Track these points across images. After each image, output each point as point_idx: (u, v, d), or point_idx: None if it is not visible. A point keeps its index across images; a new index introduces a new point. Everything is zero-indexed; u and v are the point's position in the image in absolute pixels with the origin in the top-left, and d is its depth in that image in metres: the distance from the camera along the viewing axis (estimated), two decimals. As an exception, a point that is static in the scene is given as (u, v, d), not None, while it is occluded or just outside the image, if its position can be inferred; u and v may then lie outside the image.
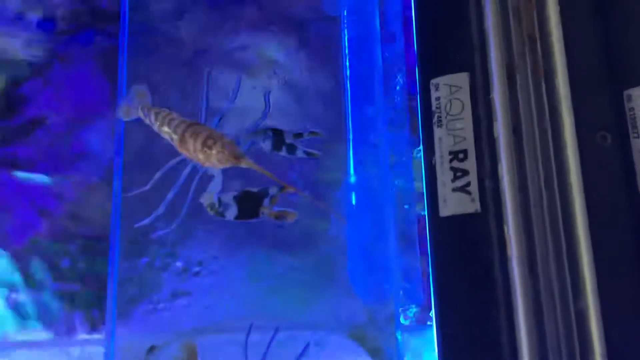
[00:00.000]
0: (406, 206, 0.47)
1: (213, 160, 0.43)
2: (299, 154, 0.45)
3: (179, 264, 0.45)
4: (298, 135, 0.45)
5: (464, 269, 0.42)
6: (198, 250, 0.45)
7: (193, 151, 0.44)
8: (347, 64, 0.48)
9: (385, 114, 0.47)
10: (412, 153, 0.48)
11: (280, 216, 0.44)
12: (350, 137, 0.46)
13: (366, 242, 0.45)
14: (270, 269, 0.44)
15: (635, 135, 0.43)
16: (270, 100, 0.46)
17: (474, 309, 0.41)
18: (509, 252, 0.41)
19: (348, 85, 0.48)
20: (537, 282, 0.40)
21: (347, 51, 0.49)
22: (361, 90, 0.47)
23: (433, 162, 0.44)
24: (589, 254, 0.40)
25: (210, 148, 0.43)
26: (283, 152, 0.45)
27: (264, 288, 0.44)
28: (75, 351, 0.46)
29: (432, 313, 0.42)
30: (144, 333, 0.44)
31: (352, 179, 0.46)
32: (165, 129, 0.45)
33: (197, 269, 0.44)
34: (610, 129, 0.43)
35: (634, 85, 0.43)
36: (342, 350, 0.43)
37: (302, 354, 0.42)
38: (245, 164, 0.43)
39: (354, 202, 0.46)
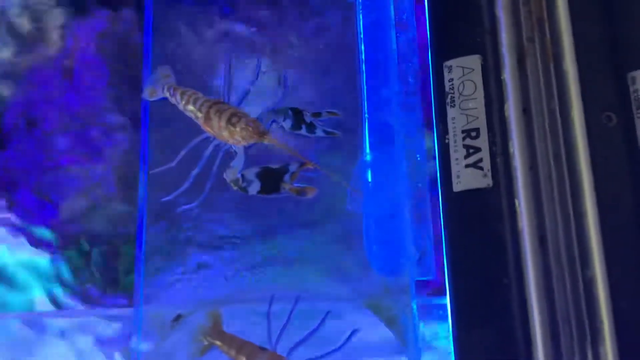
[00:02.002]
0: (419, 184, 0.49)
1: (237, 136, 0.45)
2: (318, 132, 0.47)
3: (202, 237, 0.47)
4: (317, 114, 0.47)
5: (477, 241, 0.44)
6: (220, 225, 0.47)
7: (217, 128, 0.46)
8: (363, 48, 0.50)
9: (399, 96, 0.49)
10: (424, 136, 0.50)
11: (300, 191, 0.46)
12: (366, 117, 0.48)
13: (381, 217, 0.47)
14: (290, 243, 0.46)
15: (639, 113, 0.45)
16: (289, 82, 0.49)
17: (486, 279, 0.43)
18: (519, 224, 0.43)
19: (363, 68, 0.50)
20: (547, 253, 0.42)
21: (362, 36, 0.51)
22: (376, 73, 0.49)
23: (446, 140, 0.46)
24: (596, 226, 0.42)
25: (234, 125, 0.45)
26: (302, 131, 0.47)
27: (284, 261, 0.46)
28: (103, 322, 0.48)
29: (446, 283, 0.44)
30: (168, 303, 0.45)
31: (368, 158, 0.48)
32: (190, 107, 0.47)
33: (219, 242, 0.46)
34: (616, 109, 0.45)
35: (638, 68, 0.46)
36: (359, 319, 0.45)
37: (321, 323, 0.44)
38: (268, 140, 0.45)
39: (369, 179, 0.47)
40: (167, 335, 0.45)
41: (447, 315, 0.44)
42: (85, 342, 0.48)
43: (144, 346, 0.44)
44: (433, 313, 0.48)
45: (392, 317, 0.45)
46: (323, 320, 0.44)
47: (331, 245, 0.46)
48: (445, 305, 0.45)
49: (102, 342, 0.48)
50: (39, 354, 0.48)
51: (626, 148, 0.45)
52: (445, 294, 0.45)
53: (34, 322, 0.48)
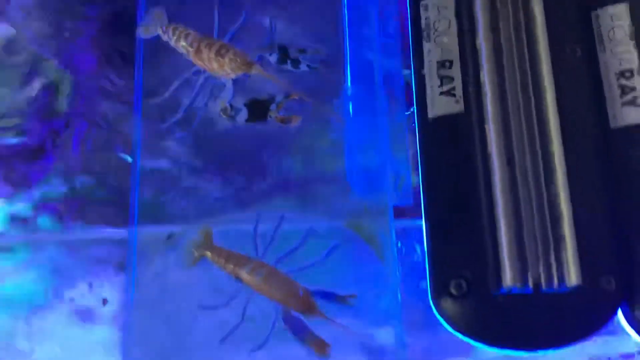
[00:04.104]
0: (399, 120, 0.52)
1: (226, 67, 0.49)
2: (302, 67, 0.50)
3: (193, 163, 0.50)
4: (302, 51, 0.51)
5: (449, 163, 0.47)
6: (210, 151, 0.50)
7: (207, 60, 0.49)
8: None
9: (379, 34, 0.53)
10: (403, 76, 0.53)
11: (285, 120, 0.49)
12: (348, 54, 0.52)
13: (362, 144, 0.50)
14: (276, 167, 0.49)
15: (602, 49, 0.49)
16: (275, 22, 0.52)
17: (458, 199, 0.47)
18: (489, 147, 0.46)
19: (346, 10, 0.53)
20: (514, 172, 0.46)
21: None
22: (358, 13, 0.53)
23: (422, 72, 0.49)
24: (560, 148, 0.46)
25: (223, 56, 0.49)
26: (288, 66, 0.50)
27: (270, 184, 0.49)
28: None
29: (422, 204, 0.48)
30: (162, 223, 0.49)
31: (349, 92, 0.51)
32: (182, 42, 0.50)
33: (209, 166, 0.50)
34: (580, 43, 0.49)
35: (601, 6, 0.49)
36: (340, 237, 0.48)
37: (305, 238, 0.47)
38: (255, 70, 0.49)
39: (351, 110, 0.51)
40: (161, 252, 0.48)
41: (422, 236, 0.48)
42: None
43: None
44: (410, 233, 0.51)
45: (372, 235, 0.48)
46: (306, 236, 0.47)
47: (314, 170, 0.49)
48: (420, 227, 0.48)
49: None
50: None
51: (589, 78, 0.48)
52: (421, 217, 0.48)
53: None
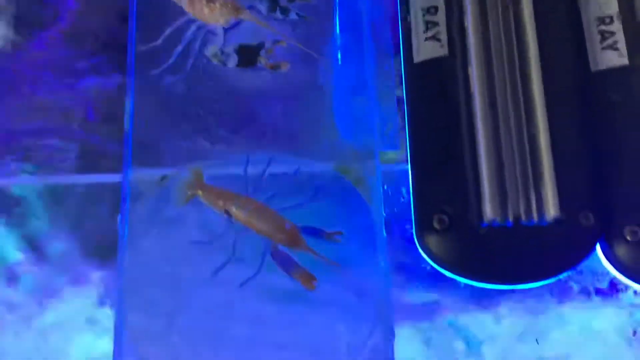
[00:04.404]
0: (386, 68, 0.54)
1: (216, 12, 0.50)
2: (292, 16, 0.52)
3: (185, 108, 0.51)
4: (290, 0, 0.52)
5: (435, 105, 0.49)
6: (201, 96, 0.51)
7: (199, 7, 0.50)
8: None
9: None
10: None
11: (274, 66, 0.50)
12: (337, 3, 0.53)
13: (350, 90, 0.52)
14: (266, 111, 0.51)
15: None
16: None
17: (442, 138, 0.48)
18: (472, 89, 0.48)
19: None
20: (496, 113, 0.47)
21: None
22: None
23: (408, 19, 0.51)
24: (540, 89, 0.47)
25: (214, 1, 0.50)
26: (277, 14, 0.52)
27: (259, 128, 0.51)
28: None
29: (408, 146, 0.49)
30: (155, 167, 0.50)
31: (338, 41, 0.53)
32: (175, -11, 0.52)
33: (201, 112, 0.51)
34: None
35: (582, -45, 0.51)
36: (328, 179, 0.49)
37: (293, 178, 0.48)
38: (245, 15, 0.50)
39: (339, 58, 0.52)
40: (155, 192, 0.49)
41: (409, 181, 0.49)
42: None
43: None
44: (397, 178, 0.52)
45: (360, 178, 0.49)
46: (294, 175, 0.48)
47: (303, 115, 0.51)
48: (407, 171, 0.49)
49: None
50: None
51: (570, 24, 0.50)
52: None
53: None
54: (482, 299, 0.48)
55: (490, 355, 0.48)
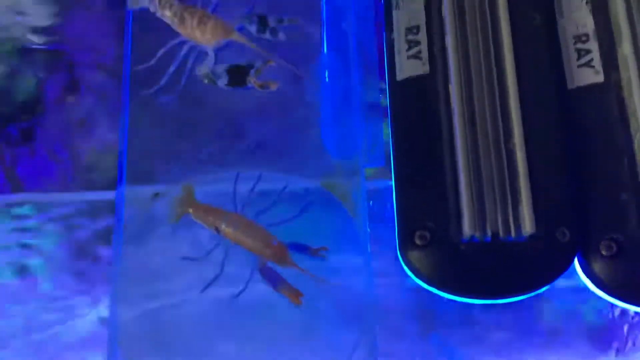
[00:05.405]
0: (372, 85, 0.55)
1: (207, 34, 0.52)
2: (281, 36, 0.54)
3: (177, 127, 0.53)
4: (280, 20, 0.54)
5: (417, 122, 0.50)
6: (192, 115, 0.53)
7: (190, 29, 0.52)
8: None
9: (353, 5, 0.56)
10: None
11: (264, 85, 0.52)
12: (324, 23, 0.55)
13: (336, 108, 0.53)
14: (255, 128, 0.52)
15: (560, 15, 0.51)
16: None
17: (424, 155, 0.50)
18: (452, 105, 0.49)
19: (322, -17, 0.56)
20: (475, 129, 0.49)
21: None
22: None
23: (392, 37, 0.52)
24: (517, 107, 0.49)
25: (205, 24, 0.52)
26: (267, 35, 0.54)
27: (249, 145, 0.52)
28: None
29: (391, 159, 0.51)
30: (147, 184, 0.52)
31: (325, 59, 0.54)
32: (167, 12, 0.53)
33: (192, 130, 0.53)
34: (540, 11, 0.52)
35: (560, -25, 0.52)
36: (315, 195, 0.51)
37: (281, 195, 0.50)
38: (235, 37, 0.52)
39: (326, 76, 0.54)
40: (148, 209, 0.51)
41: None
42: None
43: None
44: (381, 194, 0.53)
45: (345, 194, 0.51)
46: (282, 192, 0.50)
47: (290, 131, 0.52)
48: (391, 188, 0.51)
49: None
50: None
51: (547, 42, 0.51)
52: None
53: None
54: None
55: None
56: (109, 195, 0.53)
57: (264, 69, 0.52)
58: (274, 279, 0.48)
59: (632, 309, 0.48)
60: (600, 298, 0.47)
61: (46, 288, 0.52)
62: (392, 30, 0.52)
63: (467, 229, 0.46)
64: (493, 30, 0.50)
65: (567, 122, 0.49)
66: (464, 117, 0.48)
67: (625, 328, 0.50)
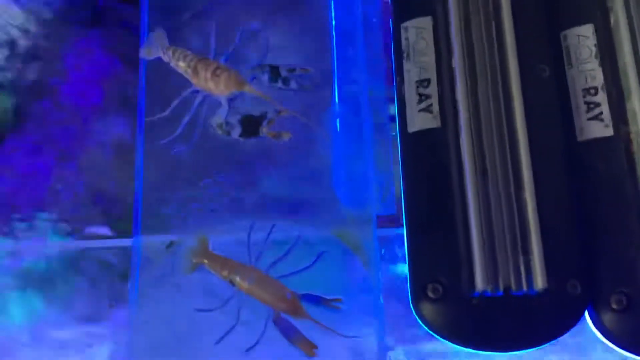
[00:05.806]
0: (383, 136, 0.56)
1: (221, 86, 0.53)
2: (292, 86, 0.54)
3: (191, 176, 0.54)
4: (291, 70, 0.54)
5: (428, 175, 0.51)
6: (207, 165, 0.54)
7: (204, 80, 0.53)
8: (333, 15, 0.57)
9: (364, 54, 0.56)
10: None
11: (276, 135, 0.53)
12: (336, 73, 0.56)
13: (348, 158, 0.54)
14: (267, 180, 0.53)
15: (570, 67, 0.52)
16: (269, 43, 0.56)
17: (435, 208, 0.50)
18: (463, 158, 0.50)
19: (333, 32, 0.57)
20: (486, 181, 0.49)
21: (332, 6, 0.58)
22: (344, 35, 0.57)
23: (403, 90, 0.53)
24: (528, 160, 0.49)
25: (218, 76, 0.53)
26: (279, 84, 0.54)
27: (263, 195, 0.53)
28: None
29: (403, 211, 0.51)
30: (162, 232, 0.52)
31: (337, 108, 0.55)
32: (181, 63, 0.54)
33: (207, 180, 0.53)
34: (549, 63, 0.52)
35: (569, 27, 0.53)
36: (327, 245, 0.52)
37: (294, 245, 0.51)
38: (248, 89, 0.53)
39: (338, 126, 0.55)
40: (162, 259, 0.51)
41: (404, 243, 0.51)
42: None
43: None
44: (392, 241, 0.54)
45: (357, 243, 0.52)
46: (296, 244, 0.51)
47: (303, 182, 0.53)
48: (402, 235, 0.52)
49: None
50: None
51: (557, 94, 0.52)
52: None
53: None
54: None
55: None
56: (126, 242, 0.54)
57: (276, 119, 0.53)
58: (288, 331, 0.48)
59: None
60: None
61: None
62: (403, 82, 0.53)
63: (479, 283, 0.47)
64: (503, 83, 0.51)
65: (577, 175, 0.50)
66: (475, 169, 0.49)
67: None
